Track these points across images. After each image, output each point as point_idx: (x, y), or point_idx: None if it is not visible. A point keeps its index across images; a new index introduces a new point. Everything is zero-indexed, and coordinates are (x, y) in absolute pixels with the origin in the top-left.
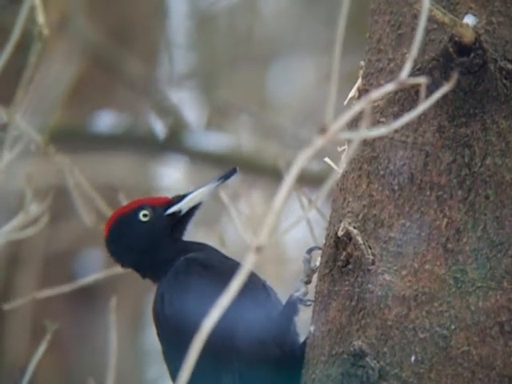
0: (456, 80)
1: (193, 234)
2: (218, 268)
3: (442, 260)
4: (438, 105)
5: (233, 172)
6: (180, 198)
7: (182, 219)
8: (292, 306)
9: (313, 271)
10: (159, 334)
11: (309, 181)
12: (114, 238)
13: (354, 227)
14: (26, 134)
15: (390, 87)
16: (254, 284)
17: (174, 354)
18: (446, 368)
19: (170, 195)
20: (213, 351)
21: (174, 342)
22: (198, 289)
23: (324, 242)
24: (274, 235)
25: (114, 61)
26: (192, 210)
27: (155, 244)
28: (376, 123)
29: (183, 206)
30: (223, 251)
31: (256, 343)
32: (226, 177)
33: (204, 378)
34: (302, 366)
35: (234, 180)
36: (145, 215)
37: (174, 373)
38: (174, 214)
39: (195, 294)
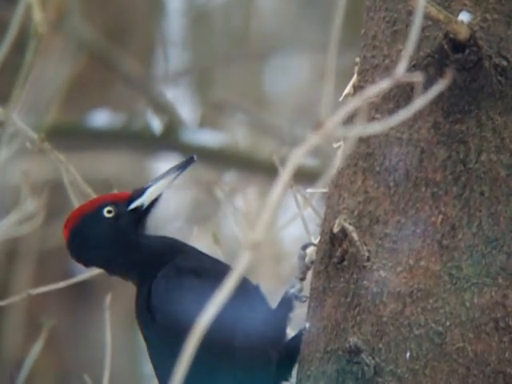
0: (451, 77)
1: (188, 231)
2: (210, 272)
3: (437, 256)
4: (433, 101)
5: (190, 161)
6: (140, 192)
7: (144, 213)
8: (287, 303)
9: (308, 268)
10: (146, 337)
11: (304, 177)
12: (77, 239)
13: (350, 224)
14: (23, 132)
15: (385, 84)
16: (248, 284)
17: (163, 355)
18: (441, 364)
19: (127, 190)
20: (206, 352)
21: (165, 344)
22: (191, 294)
23: (319, 238)
24: (270, 232)
25: (109, 58)
26: (153, 203)
27: (123, 240)
28: (371, 120)
29: (145, 199)
30: (216, 248)
31: (251, 341)
32: (184, 166)
33: (197, 380)
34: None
35: (190, 169)
36: (109, 211)
37: (162, 375)
38: (136, 208)
39: (188, 298)
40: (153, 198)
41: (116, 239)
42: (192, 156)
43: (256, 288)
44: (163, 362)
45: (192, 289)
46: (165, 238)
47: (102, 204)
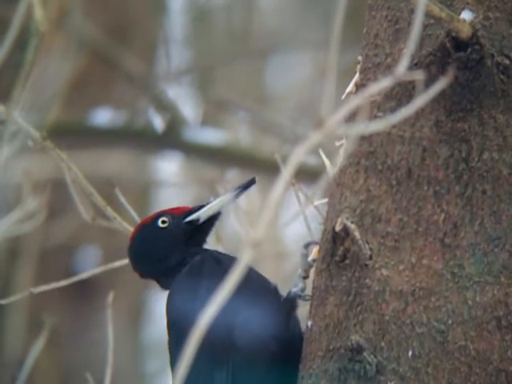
0: (453, 75)
1: None
2: (231, 264)
3: (440, 255)
4: (435, 99)
5: (252, 182)
6: (199, 208)
7: (200, 228)
8: (291, 302)
9: (310, 266)
10: (168, 327)
11: (306, 175)
12: (135, 247)
13: (352, 222)
14: (24, 130)
15: (387, 82)
16: (262, 284)
17: (175, 346)
18: (443, 363)
19: (191, 205)
20: (208, 346)
21: (177, 334)
22: (208, 283)
23: (321, 236)
24: (272, 230)
25: (111, 56)
26: (211, 220)
27: (171, 250)
28: (373, 118)
29: (201, 214)
30: (220, 247)
31: (253, 339)
32: (244, 187)
33: (198, 374)
34: (299, 361)
35: (252, 190)
36: (163, 222)
37: (173, 364)
38: (191, 222)
39: (205, 288)
40: (210, 213)
41: (166, 248)
42: (253, 177)
43: (268, 286)
44: (177, 351)
45: (211, 274)
46: (214, 251)
47: (159, 214)
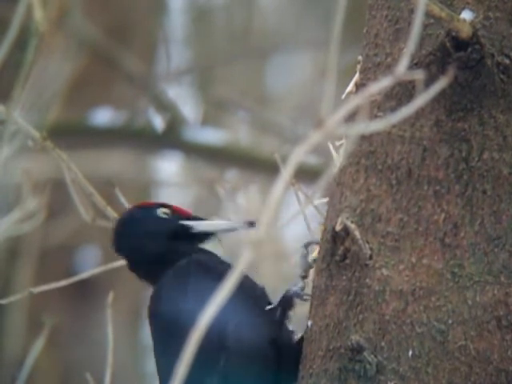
0: (453, 75)
1: None
2: (219, 269)
3: (440, 254)
4: (435, 99)
5: (252, 225)
6: (200, 219)
7: (190, 237)
8: (287, 301)
9: (310, 266)
10: (152, 332)
11: (306, 175)
12: (126, 222)
13: (352, 222)
14: (24, 130)
15: (387, 82)
16: (252, 285)
17: (163, 352)
18: (444, 362)
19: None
20: (200, 351)
21: (166, 340)
22: (196, 288)
23: (321, 236)
24: (272, 230)
25: (111, 56)
26: (203, 236)
27: (156, 239)
28: (373, 118)
29: (196, 225)
30: (220, 247)
31: (247, 338)
32: (245, 226)
33: (187, 379)
34: (295, 361)
35: (252, 231)
36: (165, 213)
37: (161, 371)
38: (185, 225)
39: (192, 293)
40: (204, 229)
41: (152, 235)
42: (253, 221)
43: (257, 286)
44: (163, 357)
45: (197, 279)
46: (202, 255)
47: (162, 205)
